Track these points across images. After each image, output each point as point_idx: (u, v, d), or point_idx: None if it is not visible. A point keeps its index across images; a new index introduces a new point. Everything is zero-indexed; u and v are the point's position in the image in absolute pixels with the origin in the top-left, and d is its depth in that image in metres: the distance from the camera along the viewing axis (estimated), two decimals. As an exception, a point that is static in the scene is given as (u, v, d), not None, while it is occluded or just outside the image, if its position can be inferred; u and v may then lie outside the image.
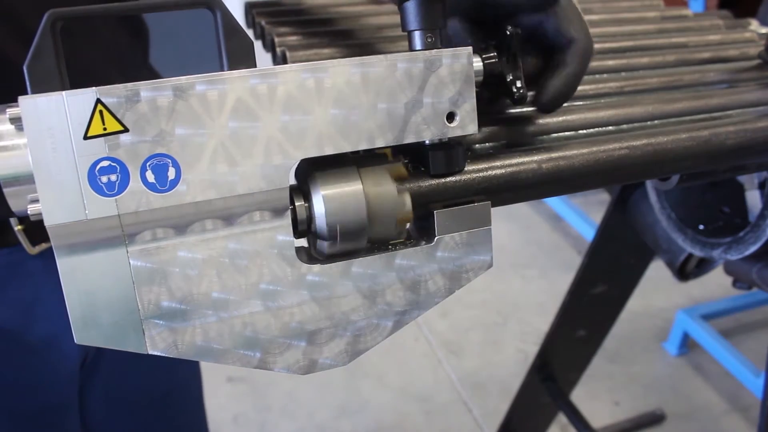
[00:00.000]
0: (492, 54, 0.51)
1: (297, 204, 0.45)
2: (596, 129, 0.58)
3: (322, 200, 0.45)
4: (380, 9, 0.78)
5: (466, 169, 0.50)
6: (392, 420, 2.00)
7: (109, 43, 0.76)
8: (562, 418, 1.65)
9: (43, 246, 0.70)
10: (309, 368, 0.47)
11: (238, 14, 0.54)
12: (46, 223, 0.39)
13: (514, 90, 0.52)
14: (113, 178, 0.40)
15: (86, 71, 0.70)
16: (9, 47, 0.63)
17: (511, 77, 0.52)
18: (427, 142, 0.48)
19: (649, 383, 2.12)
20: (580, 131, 0.58)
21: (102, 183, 0.39)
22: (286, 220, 0.44)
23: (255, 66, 0.42)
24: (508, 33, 0.51)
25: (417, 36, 0.48)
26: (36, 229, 0.69)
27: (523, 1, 0.53)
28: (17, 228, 0.69)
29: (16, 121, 0.40)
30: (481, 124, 0.48)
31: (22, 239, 0.69)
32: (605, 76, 0.68)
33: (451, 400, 2.07)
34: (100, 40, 0.74)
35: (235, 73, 0.41)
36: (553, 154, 0.52)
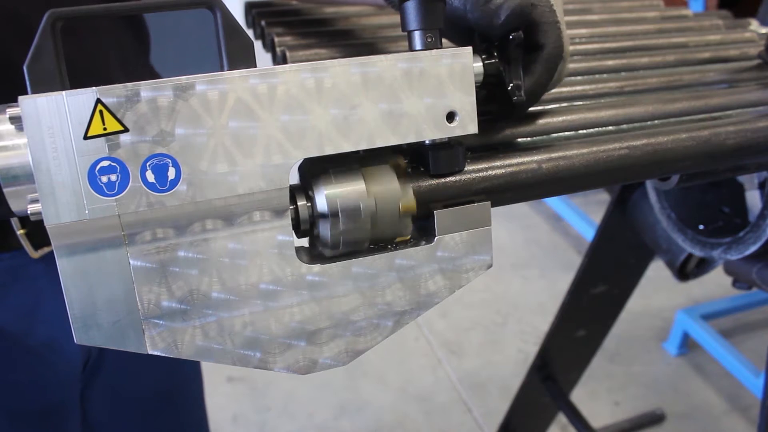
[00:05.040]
0: (492, 54, 0.51)
1: (299, 203, 0.45)
2: (596, 129, 0.58)
3: (325, 200, 0.45)
4: (380, 9, 0.78)
5: (466, 169, 0.50)
6: (392, 420, 2.00)
7: (112, 42, 0.76)
8: (562, 418, 1.65)
9: (45, 250, 0.70)
10: (309, 368, 0.47)
11: (238, 14, 0.54)
12: (46, 223, 0.39)
13: (514, 97, 0.52)
14: (113, 178, 0.40)
15: (88, 70, 0.70)
16: (13, 49, 0.63)
17: (510, 84, 0.52)
18: (427, 142, 0.48)
19: (649, 383, 2.12)
20: (580, 131, 0.58)
21: (102, 183, 0.39)
22: (286, 220, 0.44)
23: (255, 66, 0.42)
24: (511, 38, 0.51)
25: (417, 36, 0.47)
26: (38, 233, 0.69)
27: (504, 28, 0.52)
28: (20, 232, 0.69)
29: (16, 121, 0.40)
30: (480, 124, 0.48)
31: (25, 243, 0.69)
32: (605, 76, 0.68)
33: (451, 400, 2.07)
34: (103, 39, 0.74)
35: (235, 73, 0.41)
36: (553, 154, 0.52)
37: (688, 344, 2.22)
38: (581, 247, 2.77)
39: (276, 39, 0.70)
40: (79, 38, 0.69)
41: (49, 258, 0.70)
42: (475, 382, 2.13)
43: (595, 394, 2.06)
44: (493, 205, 0.50)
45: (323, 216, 0.45)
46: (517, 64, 0.52)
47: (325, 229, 0.45)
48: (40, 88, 0.39)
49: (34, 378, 0.77)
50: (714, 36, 0.79)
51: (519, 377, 1.54)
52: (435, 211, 0.48)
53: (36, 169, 0.38)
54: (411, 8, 0.47)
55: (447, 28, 0.56)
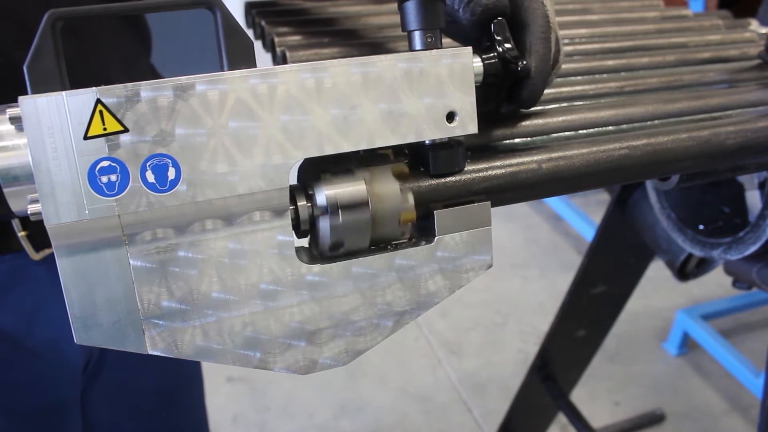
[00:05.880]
0: (492, 54, 0.51)
1: (300, 204, 0.45)
2: (596, 129, 0.58)
3: (325, 200, 0.45)
4: (380, 9, 0.78)
5: (466, 169, 0.50)
6: (392, 420, 2.00)
7: (113, 42, 0.76)
8: (562, 418, 1.64)
9: (47, 252, 0.70)
10: (309, 368, 0.47)
11: (238, 14, 0.54)
12: (46, 224, 0.39)
13: (518, 68, 0.51)
14: (113, 178, 0.40)
15: (89, 70, 0.70)
16: (14, 49, 0.63)
17: (510, 59, 0.51)
18: (427, 142, 0.48)
19: (649, 383, 2.12)
20: (580, 131, 0.58)
21: (102, 183, 0.39)
22: (286, 220, 0.44)
23: (255, 66, 0.42)
24: (495, 22, 0.51)
25: (417, 36, 0.47)
26: (39, 234, 0.69)
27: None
28: (21, 234, 0.69)
29: (16, 121, 0.40)
30: (481, 124, 0.48)
31: (26, 245, 0.69)
32: (605, 76, 0.68)
33: (451, 400, 2.07)
34: (104, 39, 0.74)
35: (235, 73, 0.41)
36: (553, 154, 0.52)
37: (688, 344, 2.22)
38: (581, 247, 2.77)
39: (276, 39, 0.70)
40: (80, 38, 0.69)
41: (51, 260, 0.70)
42: (475, 382, 2.13)
43: (595, 394, 2.06)
44: (493, 205, 0.50)
45: (323, 216, 0.45)
46: (509, 41, 0.52)
47: (325, 229, 0.45)
48: (40, 88, 0.39)
49: (35, 379, 0.77)
50: (714, 36, 0.79)
51: (519, 377, 1.54)
52: (435, 211, 0.48)
53: (36, 169, 0.38)
54: (411, 8, 0.47)
55: (449, 29, 0.56)
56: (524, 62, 0.51)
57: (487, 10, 0.51)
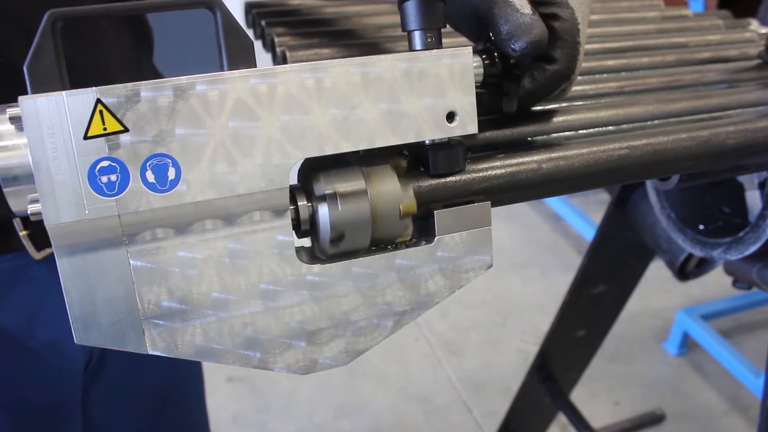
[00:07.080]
0: (492, 54, 0.51)
1: (300, 204, 0.45)
2: (596, 129, 0.58)
3: (326, 200, 0.45)
4: (380, 9, 0.78)
5: (466, 169, 0.50)
6: (392, 420, 2.00)
7: (114, 42, 0.76)
8: (562, 418, 1.65)
9: (48, 251, 0.70)
10: (309, 368, 0.47)
11: (238, 14, 0.54)
12: (46, 224, 0.39)
13: (504, 106, 0.53)
14: (113, 178, 0.40)
15: (90, 70, 0.70)
16: (13, 49, 0.63)
17: (506, 92, 0.52)
18: (427, 142, 0.48)
19: (649, 383, 2.12)
20: (580, 131, 0.58)
21: (102, 183, 0.39)
22: (286, 220, 0.44)
23: (255, 66, 0.42)
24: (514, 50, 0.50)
25: (417, 36, 0.47)
26: (41, 234, 0.69)
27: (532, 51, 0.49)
28: (22, 233, 0.69)
29: (16, 121, 0.40)
30: (480, 124, 0.48)
31: (27, 244, 0.69)
32: (605, 76, 0.68)
33: (451, 400, 2.07)
34: (106, 39, 0.74)
35: (235, 73, 0.41)
36: (553, 154, 0.52)
37: (688, 344, 2.22)
38: (581, 247, 2.77)
39: (276, 39, 0.70)
40: (81, 38, 0.69)
41: (51, 259, 0.70)
42: (475, 382, 2.13)
43: (595, 394, 2.06)
44: (493, 205, 0.50)
45: (323, 216, 0.45)
46: (515, 80, 0.52)
47: (325, 229, 0.45)
48: (40, 88, 0.39)
49: (35, 378, 0.77)
50: (714, 36, 0.79)
51: (519, 377, 1.54)
52: (435, 211, 0.48)
53: (36, 169, 0.38)
54: (411, 8, 0.47)
55: (456, 14, 0.55)
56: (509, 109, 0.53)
57: (532, 50, 0.49)
